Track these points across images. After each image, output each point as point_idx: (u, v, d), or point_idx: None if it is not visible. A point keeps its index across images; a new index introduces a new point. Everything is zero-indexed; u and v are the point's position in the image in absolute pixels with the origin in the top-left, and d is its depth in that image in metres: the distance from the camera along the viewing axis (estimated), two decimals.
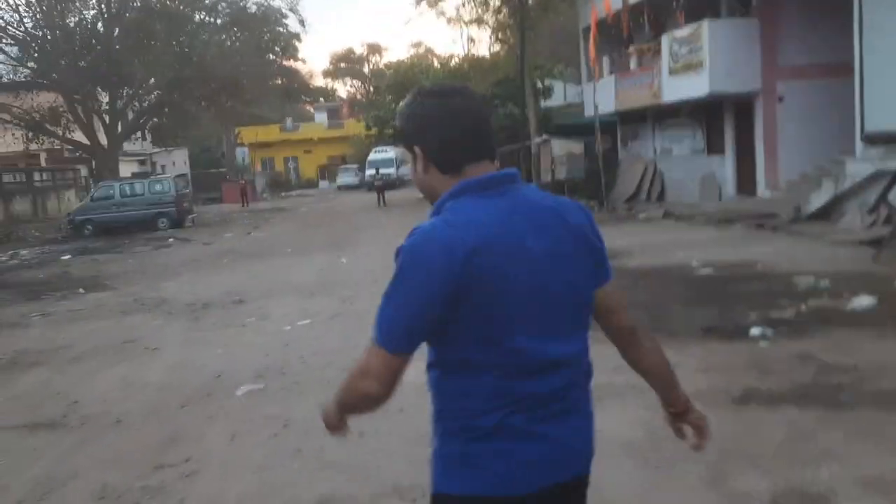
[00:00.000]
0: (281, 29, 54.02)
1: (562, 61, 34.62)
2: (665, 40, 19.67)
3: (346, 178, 53.43)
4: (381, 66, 71.97)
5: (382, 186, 32.62)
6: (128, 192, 27.88)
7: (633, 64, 22.17)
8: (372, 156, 50.32)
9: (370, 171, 48.62)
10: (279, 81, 56.04)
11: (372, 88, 68.37)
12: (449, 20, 30.42)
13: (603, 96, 23.52)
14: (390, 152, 49.94)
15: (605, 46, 25.01)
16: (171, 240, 23.23)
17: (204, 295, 12.18)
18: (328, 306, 10.43)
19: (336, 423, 1.98)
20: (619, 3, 20.86)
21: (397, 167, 49.60)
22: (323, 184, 58.34)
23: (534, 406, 1.76)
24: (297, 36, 56.06)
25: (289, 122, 63.53)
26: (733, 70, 17.63)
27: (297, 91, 57.41)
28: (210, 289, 12.80)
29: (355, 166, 54.72)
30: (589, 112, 24.80)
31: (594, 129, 25.04)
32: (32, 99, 30.36)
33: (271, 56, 55.05)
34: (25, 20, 30.15)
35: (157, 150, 48.51)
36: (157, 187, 28.02)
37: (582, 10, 25.10)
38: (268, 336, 8.84)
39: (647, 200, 22.61)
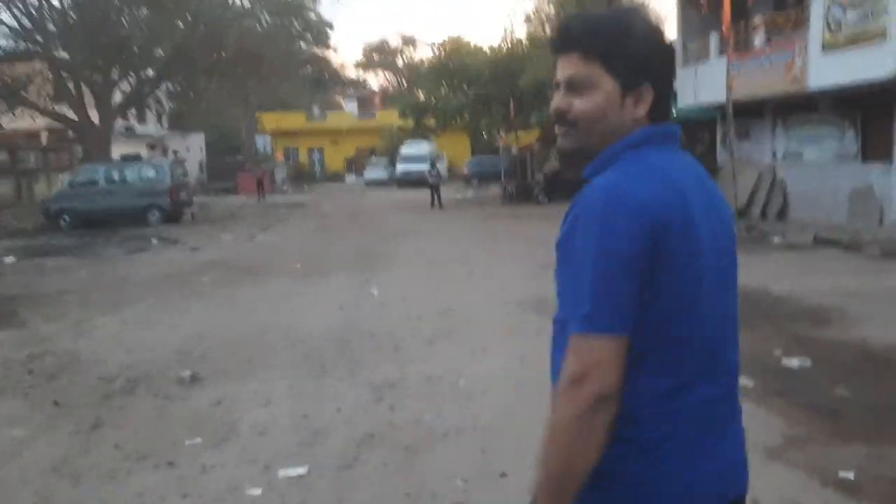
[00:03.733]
0: (312, 15, 50.22)
1: None
2: (817, 3, 14.54)
3: (374, 172, 48.77)
4: (417, 59, 68.82)
5: (437, 183, 27.38)
6: (115, 177, 23.10)
7: (758, 40, 16.96)
8: (404, 149, 45.87)
9: (402, 167, 44.49)
10: (308, 69, 52.04)
11: (405, 82, 64.93)
12: None
13: (707, 84, 18.40)
14: (424, 146, 45.48)
15: (709, 21, 19.88)
16: (154, 240, 18.39)
17: (140, 356, 7.32)
18: (348, 410, 5.54)
19: None
20: None
21: (433, 163, 45.02)
22: (350, 177, 53.78)
23: (705, 414, 1.46)
24: (329, 24, 52.36)
25: (315, 109, 58.80)
26: None
27: (327, 80, 53.30)
28: (158, 340, 7.94)
29: (385, 160, 50.04)
30: (688, 101, 19.71)
31: (690, 124, 20.10)
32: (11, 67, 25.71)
33: (303, 44, 51.36)
34: None
35: (169, 132, 44.08)
36: (150, 174, 23.19)
37: None
38: None
39: (761, 218, 17.48)
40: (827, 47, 14.26)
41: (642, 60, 1.49)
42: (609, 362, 1.33)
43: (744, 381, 5.91)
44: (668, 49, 1.55)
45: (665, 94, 1.54)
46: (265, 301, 9.90)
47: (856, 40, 13.48)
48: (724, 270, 1.50)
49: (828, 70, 14.34)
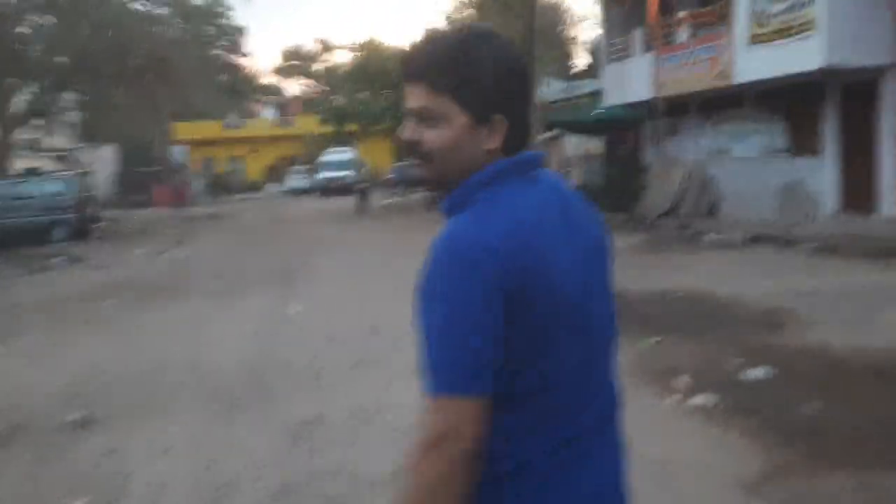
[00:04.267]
0: (226, 21, 48.75)
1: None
2: None
3: (296, 180, 47.61)
4: (335, 64, 67.85)
5: (366, 189, 26.34)
6: (14, 193, 21.55)
7: (683, 35, 16.69)
8: (325, 156, 44.68)
9: (324, 174, 43.46)
10: (223, 77, 50.49)
11: (324, 88, 63.95)
12: None
13: (633, 81, 18.09)
14: (347, 153, 44.49)
15: (633, 17, 19.64)
16: (57, 259, 17.04)
17: (21, 397, 6.35)
18: (260, 457, 4.74)
19: None
20: None
21: (356, 170, 44.15)
22: (270, 186, 52.46)
23: (565, 449, 1.41)
24: (243, 30, 50.98)
25: (232, 117, 57.12)
26: (858, 35, 12.33)
27: (243, 87, 51.89)
28: (44, 377, 6.95)
29: (306, 168, 48.88)
30: (613, 100, 19.39)
31: (610, 125, 19.82)
32: None
33: (216, 51, 49.78)
34: None
35: (79, 145, 42.05)
36: (52, 188, 21.68)
37: None
38: None
39: (690, 216, 17.21)
40: (753, 41, 14.03)
41: (494, 92, 1.41)
42: (469, 422, 1.28)
43: (705, 398, 5.34)
44: (521, 75, 1.46)
45: (520, 121, 1.46)
46: (172, 327, 8.94)
47: (783, 33, 13.26)
48: (592, 296, 1.45)
49: (755, 64, 14.11)
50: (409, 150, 1.46)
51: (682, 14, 16.53)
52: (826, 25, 12.30)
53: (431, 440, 1.28)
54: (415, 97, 1.44)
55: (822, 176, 14.32)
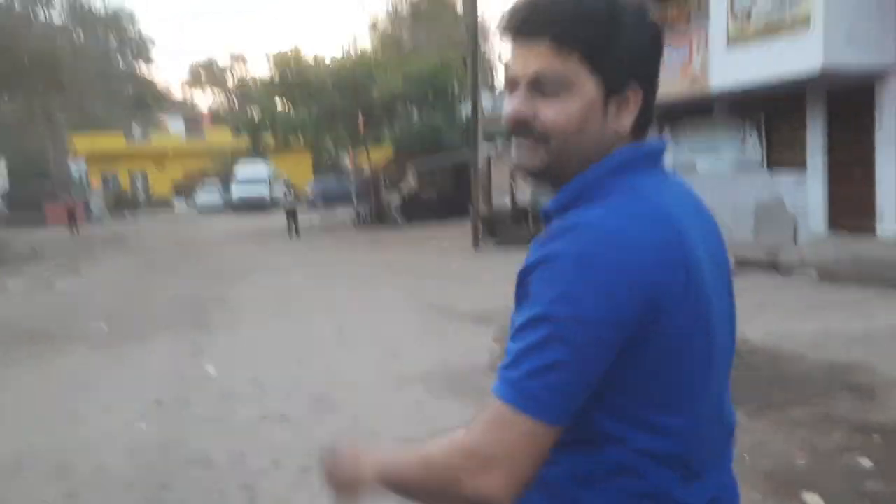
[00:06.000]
0: (132, 31, 46.04)
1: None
2: None
3: (207, 197, 44.92)
4: (249, 77, 65.63)
5: (293, 209, 23.54)
6: None
7: None
8: (239, 171, 42.39)
9: (238, 190, 41.25)
10: (129, 89, 47.61)
11: (236, 101, 61.37)
12: None
13: None
14: (262, 169, 42.19)
15: None
16: None
17: None
18: None
19: (354, 491, 1.23)
20: None
21: (270, 186, 41.76)
22: (179, 203, 49.41)
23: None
24: (150, 41, 48.27)
25: (136, 130, 53.67)
26: (856, 34, 10.93)
27: (149, 99, 49.06)
28: None
29: (218, 184, 46.21)
30: None
31: None
32: None
33: (121, 61, 47.05)
34: None
35: None
36: None
37: None
38: None
39: None
40: (734, 40, 12.51)
41: (633, 55, 1.13)
42: (528, 454, 1.02)
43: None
44: (660, 41, 1.20)
45: (652, 101, 1.18)
46: (39, 399, 6.58)
47: (770, 32, 11.76)
48: (725, 319, 1.20)
49: (734, 67, 12.58)
50: (515, 129, 1.16)
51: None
52: (822, 22, 10.84)
53: (480, 454, 1.02)
54: (531, 58, 1.12)
55: (806, 192, 12.89)
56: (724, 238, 1.25)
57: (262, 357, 7.52)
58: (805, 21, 11.05)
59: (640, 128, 1.17)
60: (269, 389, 6.29)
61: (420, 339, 7.86)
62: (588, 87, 1.11)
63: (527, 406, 1.01)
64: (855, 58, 10.99)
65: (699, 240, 1.12)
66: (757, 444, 4.49)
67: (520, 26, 1.14)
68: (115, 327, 9.58)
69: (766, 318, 8.02)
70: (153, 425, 5.58)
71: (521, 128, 1.15)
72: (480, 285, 11.10)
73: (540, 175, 1.18)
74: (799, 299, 8.98)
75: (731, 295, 1.24)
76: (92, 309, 11.28)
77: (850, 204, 12.09)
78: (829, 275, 10.50)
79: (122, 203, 47.59)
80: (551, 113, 1.12)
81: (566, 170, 1.14)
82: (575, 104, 1.11)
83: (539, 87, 1.12)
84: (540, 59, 1.11)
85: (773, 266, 11.35)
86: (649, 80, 1.16)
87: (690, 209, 1.17)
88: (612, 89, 1.12)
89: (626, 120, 1.15)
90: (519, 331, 1.04)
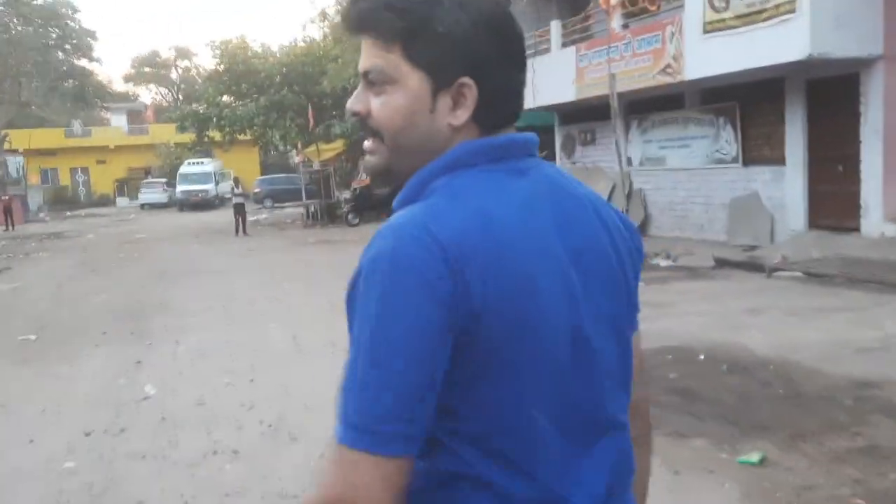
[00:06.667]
0: (72, 24, 44.26)
1: None
2: None
3: (150, 194, 43.98)
4: (193, 71, 64.02)
5: (242, 204, 22.81)
6: None
7: (615, 24, 14.38)
8: (184, 168, 41.78)
9: (182, 187, 40.31)
10: (69, 82, 45.72)
11: (180, 96, 59.64)
12: None
13: (548, 82, 15.74)
14: (208, 165, 41.33)
15: (549, 8, 17.49)
16: None
17: None
18: None
19: None
20: None
21: (216, 183, 40.65)
22: (121, 200, 48.00)
23: None
24: (91, 34, 46.43)
25: (76, 125, 51.68)
26: (844, 21, 10.41)
27: (90, 93, 47.27)
28: None
29: (163, 180, 45.05)
30: (526, 104, 16.99)
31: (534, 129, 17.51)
32: None
33: (60, 54, 45.36)
34: None
35: None
36: None
37: None
38: None
39: None
40: (710, 29, 11.92)
41: (459, 45, 1.03)
42: (382, 488, 0.93)
43: None
44: (501, 27, 1.08)
45: (500, 92, 1.08)
46: None
47: (750, 18, 11.19)
48: (595, 323, 1.07)
49: (711, 56, 11.98)
50: (360, 127, 1.13)
51: (613, 0, 14.24)
52: (809, 8, 10.28)
53: (330, 500, 0.94)
54: (364, 53, 1.10)
55: (784, 187, 12.38)
56: (625, 233, 1.17)
57: (209, 374, 6.64)
58: (791, 6, 10.48)
59: (492, 124, 1.08)
60: (218, 415, 5.43)
61: None
62: (412, 80, 1.05)
63: (362, 442, 0.92)
64: (842, 45, 10.46)
65: (550, 239, 1.03)
66: (804, 488, 3.79)
67: (348, 23, 1.11)
68: (46, 338, 8.59)
69: (760, 324, 7.41)
70: (82, 462, 4.68)
71: (362, 125, 1.11)
72: None
73: (384, 173, 1.12)
74: (791, 303, 8.38)
75: (623, 292, 1.13)
76: (18, 315, 10.24)
77: (832, 200, 11.59)
78: (817, 275, 9.99)
79: (62, 200, 46.13)
80: (377, 108, 1.08)
81: (404, 167, 1.09)
82: (399, 99, 1.06)
83: (371, 82, 1.08)
84: (367, 54, 1.08)
85: (754, 266, 10.79)
86: (487, 68, 1.05)
87: (544, 210, 1.05)
88: (439, 82, 1.05)
89: (461, 115, 1.06)
90: (350, 354, 0.97)
